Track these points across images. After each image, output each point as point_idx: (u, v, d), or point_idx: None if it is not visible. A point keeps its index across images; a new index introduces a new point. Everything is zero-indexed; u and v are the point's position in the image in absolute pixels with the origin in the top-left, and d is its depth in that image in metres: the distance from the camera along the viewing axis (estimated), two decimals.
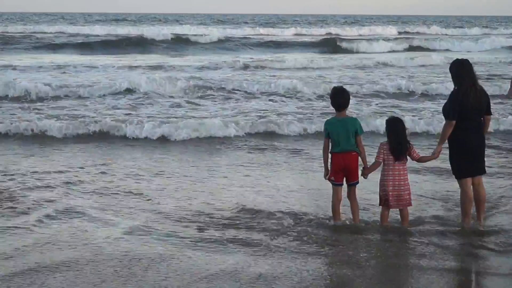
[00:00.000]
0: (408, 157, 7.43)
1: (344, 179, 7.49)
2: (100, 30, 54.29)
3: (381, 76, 24.51)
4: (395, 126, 7.45)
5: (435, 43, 45.22)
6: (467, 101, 7.20)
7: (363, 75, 25.11)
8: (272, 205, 8.38)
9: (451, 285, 6.10)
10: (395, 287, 6.08)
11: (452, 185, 8.58)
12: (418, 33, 64.74)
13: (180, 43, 40.86)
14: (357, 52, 39.88)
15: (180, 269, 6.30)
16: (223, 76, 23.27)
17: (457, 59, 7.57)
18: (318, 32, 61.11)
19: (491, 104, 7.50)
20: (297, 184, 9.58)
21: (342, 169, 7.40)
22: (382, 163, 7.40)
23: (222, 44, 41.46)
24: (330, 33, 59.15)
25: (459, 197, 7.61)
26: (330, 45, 42.98)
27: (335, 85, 10.60)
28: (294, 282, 6.04)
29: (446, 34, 63.13)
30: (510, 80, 16.49)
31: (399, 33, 64.29)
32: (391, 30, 66.99)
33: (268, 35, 56.60)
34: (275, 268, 6.34)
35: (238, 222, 7.75)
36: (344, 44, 42.99)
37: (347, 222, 7.57)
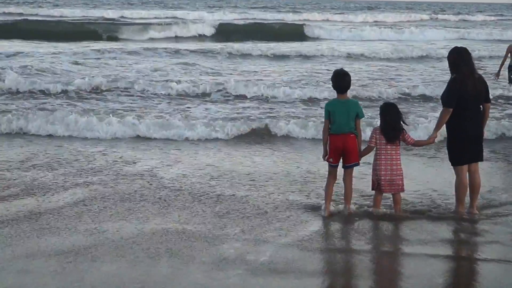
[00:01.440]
0: (403, 142, 7.42)
1: (341, 162, 7.48)
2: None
3: None
4: (387, 108, 7.46)
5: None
6: (465, 89, 7.20)
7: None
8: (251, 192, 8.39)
9: (444, 272, 6.06)
10: (386, 274, 6.06)
11: (447, 172, 8.51)
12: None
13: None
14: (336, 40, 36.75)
15: None
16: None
17: (455, 47, 7.53)
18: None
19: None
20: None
21: (341, 150, 7.38)
22: (374, 147, 7.42)
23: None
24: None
25: (454, 184, 7.58)
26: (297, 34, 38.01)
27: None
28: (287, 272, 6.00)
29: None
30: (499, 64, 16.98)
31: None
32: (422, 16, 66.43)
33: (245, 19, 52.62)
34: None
35: None
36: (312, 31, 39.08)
37: (339, 207, 7.54)
